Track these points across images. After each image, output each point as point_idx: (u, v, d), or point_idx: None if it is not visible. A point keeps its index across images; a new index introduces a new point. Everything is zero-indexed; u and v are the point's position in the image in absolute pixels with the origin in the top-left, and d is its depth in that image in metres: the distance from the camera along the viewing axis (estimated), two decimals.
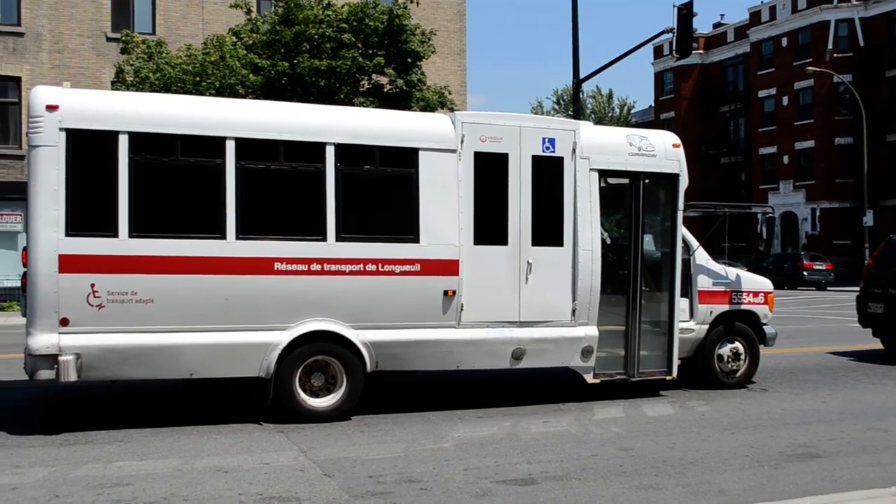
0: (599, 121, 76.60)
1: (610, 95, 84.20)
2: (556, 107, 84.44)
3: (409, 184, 10.20)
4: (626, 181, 11.53)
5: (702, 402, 11.56)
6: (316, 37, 24.21)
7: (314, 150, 9.83)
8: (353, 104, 23.14)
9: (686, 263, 12.04)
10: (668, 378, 11.68)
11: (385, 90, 25.30)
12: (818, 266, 45.00)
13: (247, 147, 9.55)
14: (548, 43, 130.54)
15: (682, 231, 11.83)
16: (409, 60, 25.34)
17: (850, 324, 23.07)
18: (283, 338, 9.53)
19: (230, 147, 9.46)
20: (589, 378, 11.13)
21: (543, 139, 10.85)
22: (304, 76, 23.75)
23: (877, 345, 16.83)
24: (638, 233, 11.48)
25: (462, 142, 10.40)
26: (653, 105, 71.82)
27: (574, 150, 10.95)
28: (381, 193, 10.27)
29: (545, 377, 12.60)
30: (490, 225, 10.53)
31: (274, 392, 9.55)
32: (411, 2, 25.77)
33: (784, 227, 55.55)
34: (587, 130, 11.29)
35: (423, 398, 11.31)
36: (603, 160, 11.15)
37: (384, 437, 9.18)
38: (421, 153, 10.25)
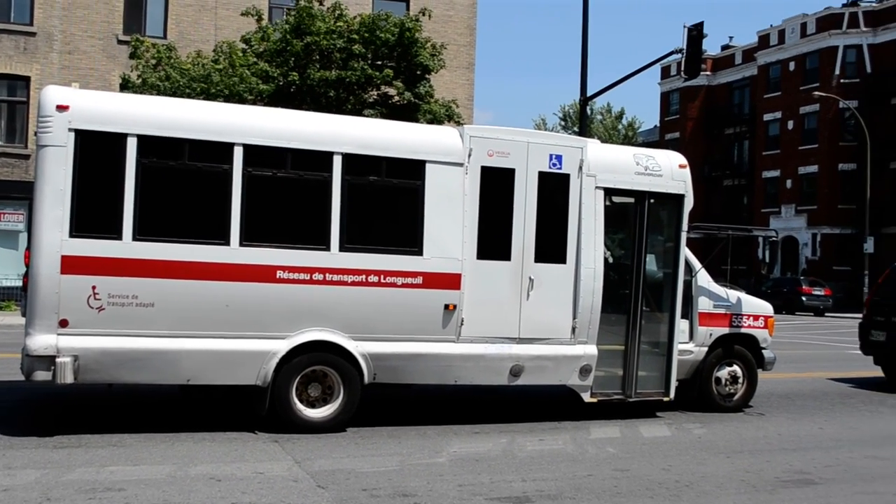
0: (605, 139, 76.63)
1: (620, 115, 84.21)
2: (562, 123, 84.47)
3: (415, 196, 10.19)
4: (631, 200, 11.50)
5: (698, 424, 11.53)
6: (327, 48, 24.27)
7: (322, 159, 9.82)
8: (360, 115, 23.17)
9: (688, 285, 12.03)
10: (666, 399, 11.65)
11: (393, 102, 25.35)
12: (817, 292, 44.98)
13: (254, 154, 9.54)
14: (558, 60, 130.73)
15: (686, 252, 11.82)
16: (418, 73, 25.39)
17: (847, 350, 23.08)
18: (281, 346, 9.51)
19: (238, 153, 9.46)
20: (586, 397, 11.10)
21: (551, 155, 10.84)
22: (313, 86, 23.80)
23: (875, 372, 16.82)
24: (641, 252, 11.45)
25: (469, 156, 10.40)
26: (658, 125, 71.91)
27: (581, 168, 10.94)
28: (386, 205, 10.25)
29: (543, 394, 12.57)
30: (494, 240, 10.51)
31: (270, 401, 9.52)
32: (423, 15, 25.84)
33: (784, 251, 55.49)
34: (594, 148, 11.29)
35: (419, 412, 11.28)
36: (609, 178, 11.14)
37: (379, 450, 9.15)
38: (428, 165, 10.23)
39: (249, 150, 9.52)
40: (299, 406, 9.69)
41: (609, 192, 11.22)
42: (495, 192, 10.55)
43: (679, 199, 11.64)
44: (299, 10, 24.86)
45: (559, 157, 10.87)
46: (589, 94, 27.31)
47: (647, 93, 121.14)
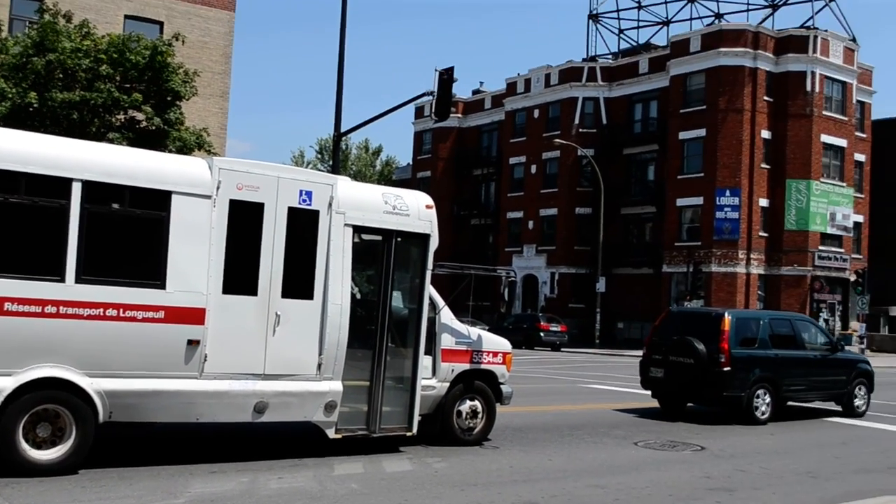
0: (361, 175, 77.77)
1: (377, 151, 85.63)
2: (319, 156, 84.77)
3: (159, 227, 9.91)
4: (379, 238, 11.74)
5: (438, 458, 11.86)
6: (71, 67, 23.07)
7: (59, 186, 9.33)
8: (105, 139, 22.18)
9: (431, 322, 12.39)
10: (409, 434, 11.92)
11: (141, 127, 24.46)
12: (554, 328, 47.49)
13: None
14: (319, 93, 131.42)
15: (430, 290, 12.20)
16: (168, 98, 24.69)
17: (577, 384, 24.61)
18: (7, 384, 8.89)
19: None
20: (331, 433, 11.15)
21: (301, 191, 10.89)
22: (55, 108, 22.52)
23: (600, 405, 18.07)
24: (387, 290, 11.69)
25: (218, 188, 10.26)
26: (411, 163, 73.78)
27: (330, 205, 11.07)
28: (128, 236, 9.90)
29: (288, 431, 12.49)
30: (240, 274, 10.41)
31: None
32: (176, 40, 25.20)
33: (526, 289, 58.53)
34: (344, 186, 11.46)
35: (156, 451, 10.88)
36: (358, 216, 11.33)
37: (108, 494, 8.71)
38: (174, 197, 10.00)
39: None
40: (25, 447, 9.06)
41: (358, 230, 11.42)
42: (243, 227, 10.47)
43: (425, 238, 12.01)
44: (43, 26, 23.51)
45: (309, 194, 10.96)
46: (343, 129, 27.67)
47: (405, 131, 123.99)
